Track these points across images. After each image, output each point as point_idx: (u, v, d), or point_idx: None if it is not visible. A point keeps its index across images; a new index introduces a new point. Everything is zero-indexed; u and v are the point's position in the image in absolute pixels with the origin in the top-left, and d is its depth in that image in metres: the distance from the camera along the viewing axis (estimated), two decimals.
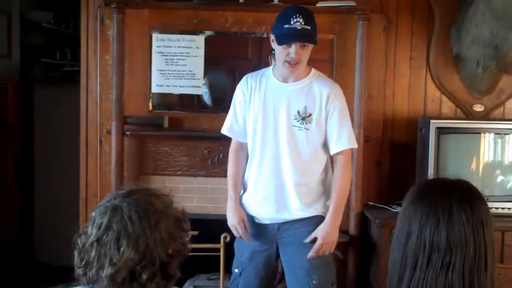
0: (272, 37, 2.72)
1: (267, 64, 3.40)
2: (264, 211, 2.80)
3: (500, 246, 3.33)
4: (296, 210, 2.76)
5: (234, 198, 2.84)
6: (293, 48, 2.63)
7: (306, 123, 2.73)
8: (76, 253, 1.59)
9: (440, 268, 1.36)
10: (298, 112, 2.73)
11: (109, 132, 3.70)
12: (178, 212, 1.64)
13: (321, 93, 2.73)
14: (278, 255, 2.82)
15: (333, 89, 2.77)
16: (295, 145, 2.73)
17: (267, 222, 2.80)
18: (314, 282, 2.72)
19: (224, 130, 2.93)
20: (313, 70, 2.81)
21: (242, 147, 2.90)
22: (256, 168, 2.81)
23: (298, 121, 2.73)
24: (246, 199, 2.86)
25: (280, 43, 2.66)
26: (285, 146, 2.74)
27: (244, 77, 2.89)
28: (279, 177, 2.76)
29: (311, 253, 2.71)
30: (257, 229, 2.83)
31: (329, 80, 2.87)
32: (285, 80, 2.77)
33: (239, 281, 2.85)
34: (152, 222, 1.54)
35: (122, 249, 1.50)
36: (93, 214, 1.60)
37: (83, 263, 1.57)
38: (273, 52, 2.88)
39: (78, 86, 3.88)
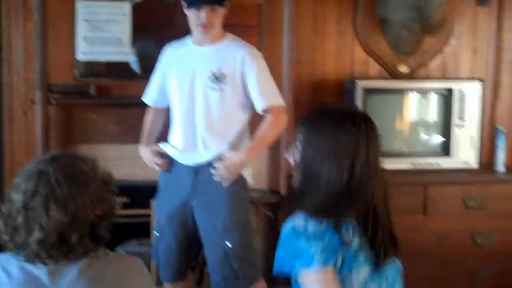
0: (183, 3, 2.80)
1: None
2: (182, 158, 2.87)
3: (423, 199, 3.47)
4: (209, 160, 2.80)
5: (144, 140, 3.03)
6: (203, 12, 2.72)
7: (221, 84, 2.77)
8: (1, 221, 1.58)
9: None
10: (213, 73, 2.78)
11: (33, 102, 3.62)
12: (105, 175, 1.66)
13: (235, 55, 2.79)
14: (194, 218, 2.85)
15: (248, 50, 2.83)
16: (209, 106, 2.79)
17: (185, 163, 2.84)
18: (228, 244, 2.76)
19: (144, 97, 3.10)
20: (229, 34, 2.89)
21: (158, 112, 3.05)
22: (174, 129, 2.90)
23: (212, 81, 2.78)
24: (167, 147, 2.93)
25: (189, 7, 2.76)
26: (200, 107, 2.80)
27: (165, 47, 3.00)
28: (194, 138, 2.82)
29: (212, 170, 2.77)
30: (172, 190, 2.88)
31: (244, 42, 2.91)
32: (201, 44, 2.84)
33: (159, 244, 2.91)
34: (80, 184, 1.55)
35: (50, 212, 1.51)
36: (17, 180, 1.59)
37: (10, 229, 1.55)
38: None
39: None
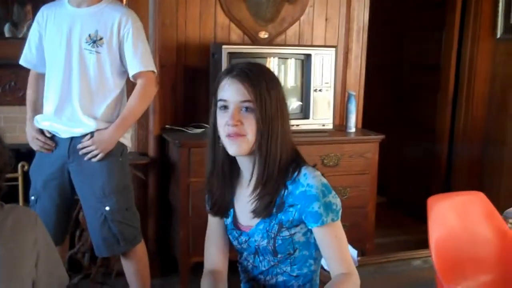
0: None
1: None
2: (57, 125, 2.81)
3: None
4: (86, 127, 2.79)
5: (31, 116, 2.90)
6: None
7: (97, 47, 2.75)
8: None
9: None
10: (90, 35, 2.75)
11: None
12: None
13: (113, 18, 2.76)
14: (72, 182, 2.85)
15: (125, 14, 2.80)
16: (86, 69, 2.76)
17: (61, 135, 2.81)
18: (106, 209, 2.79)
19: (21, 61, 2.94)
20: None
21: (39, 76, 2.91)
22: (49, 92, 2.82)
23: (89, 44, 2.75)
24: (40, 119, 2.86)
25: None
26: (76, 70, 2.76)
27: (41, 8, 2.88)
28: (70, 101, 2.78)
29: (79, 145, 2.77)
30: (49, 155, 2.84)
31: (123, 6, 2.90)
32: (78, 6, 2.78)
33: (35, 209, 2.85)
34: None
35: None
36: None
37: None
38: None
39: None
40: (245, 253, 1.91)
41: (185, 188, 3.50)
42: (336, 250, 1.76)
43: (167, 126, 3.89)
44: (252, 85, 1.71)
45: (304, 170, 1.76)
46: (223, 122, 1.74)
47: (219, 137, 1.79)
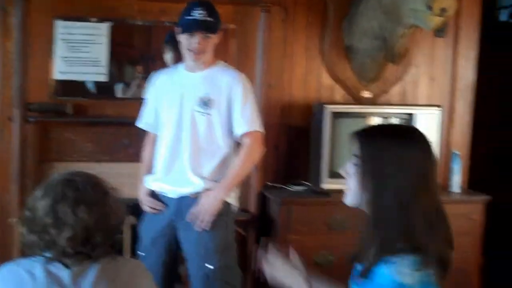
0: (177, 28, 2.91)
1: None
2: (165, 186, 2.95)
3: None
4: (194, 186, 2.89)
5: (142, 174, 3.07)
6: (195, 38, 2.82)
7: (208, 109, 2.87)
8: (24, 228, 1.74)
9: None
10: (201, 98, 2.88)
11: (10, 119, 3.64)
12: (113, 190, 1.84)
13: (224, 81, 2.90)
14: (177, 239, 2.95)
15: (236, 77, 2.93)
16: (196, 130, 2.88)
17: (169, 195, 2.94)
18: (209, 267, 2.84)
19: (140, 124, 3.13)
20: (220, 61, 2.99)
21: (156, 138, 3.06)
22: (160, 152, 2.97)
23: (200, 106, 2.87)
24: (150, 179, 3.01)
25: (183, 32, 2.86)
26: (187, 130, 2.88)
27: (157, 72, 3.11)
28: (180, 160, 2.90)
29: (189, 217, 2.85)
30: (157, 215, 2.97)
31: (234, 69, 3.02)
32: (192, 70, 2.93)
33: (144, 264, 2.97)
34: (102, 192, 1.76)
35: (79, 214, 1.68)
36: (39, 191, 1.75)
37: (37, 230, 1.71)
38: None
39: None
40: None
41: (284, 245, 3.53)
42: None
43: (268, 183, 3.96)
44: (361, 141, 1.65)
45: (391, 258, 1.55)
46: None
47: None
